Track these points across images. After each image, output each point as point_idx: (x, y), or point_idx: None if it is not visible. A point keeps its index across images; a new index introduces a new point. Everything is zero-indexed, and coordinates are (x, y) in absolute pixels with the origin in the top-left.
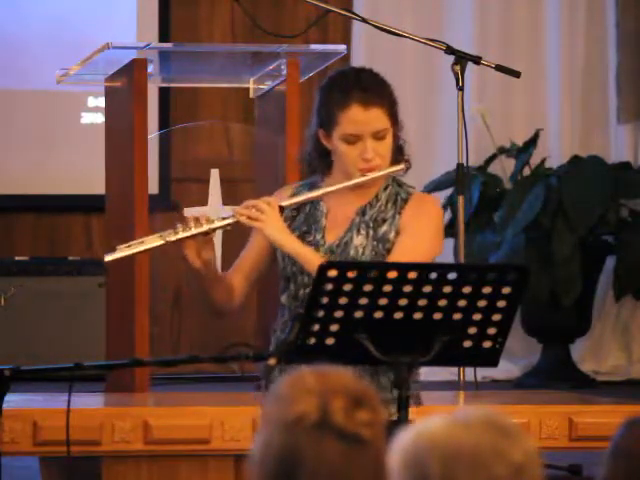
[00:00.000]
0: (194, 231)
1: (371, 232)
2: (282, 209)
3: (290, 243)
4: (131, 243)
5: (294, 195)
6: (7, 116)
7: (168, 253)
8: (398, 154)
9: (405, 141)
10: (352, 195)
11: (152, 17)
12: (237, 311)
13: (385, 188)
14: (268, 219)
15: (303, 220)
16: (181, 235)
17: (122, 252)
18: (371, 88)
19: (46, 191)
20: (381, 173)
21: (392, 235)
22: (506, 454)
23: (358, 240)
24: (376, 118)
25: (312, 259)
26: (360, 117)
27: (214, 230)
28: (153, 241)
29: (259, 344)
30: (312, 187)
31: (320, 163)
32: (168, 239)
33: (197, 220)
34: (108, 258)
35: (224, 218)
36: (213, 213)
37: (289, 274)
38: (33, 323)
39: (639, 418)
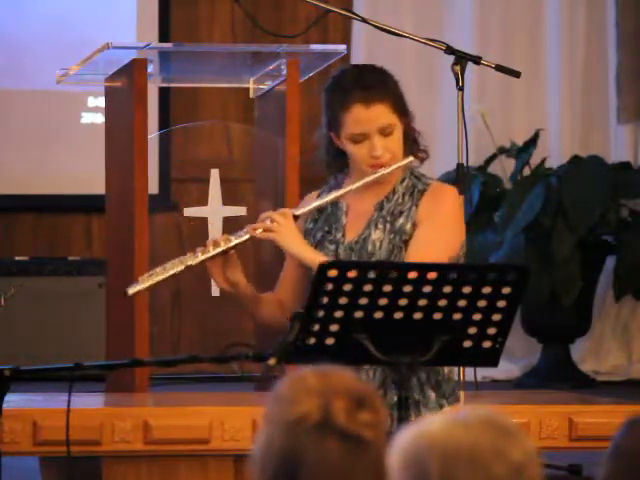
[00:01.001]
0: (213, 252)
1: (388, 225)
2: (296, 218)
3: (304, 252)
4: (152, 272)
5: (318, 199)
6: (7, 116)
7: (168, 253)
8: (413, 146)
9: (419, 133)
10: (370, 191)
11: (152, 17)
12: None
13: (402, 181)
14: (282, 229)
15: (324, 220)
16: (201, 258)
17: (144, 283)
18: (372, 85)
19: (46, 191)
20: (390, 169)
21: (409, 227)
22: (506, 454)
23: (376, 234)
24: (380, 115)
25: None
26: (362, 116)
27: (233, 247)
28: (174, 267)
29: (259, 344)
30: (332, 189)
31: (336, 164)
32: (189, 263)
33: (216, 242)
34: (131, 291)
35: (240, 235)
36: (213, 213)
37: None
38: (33, 323)
39: (639, 418)
